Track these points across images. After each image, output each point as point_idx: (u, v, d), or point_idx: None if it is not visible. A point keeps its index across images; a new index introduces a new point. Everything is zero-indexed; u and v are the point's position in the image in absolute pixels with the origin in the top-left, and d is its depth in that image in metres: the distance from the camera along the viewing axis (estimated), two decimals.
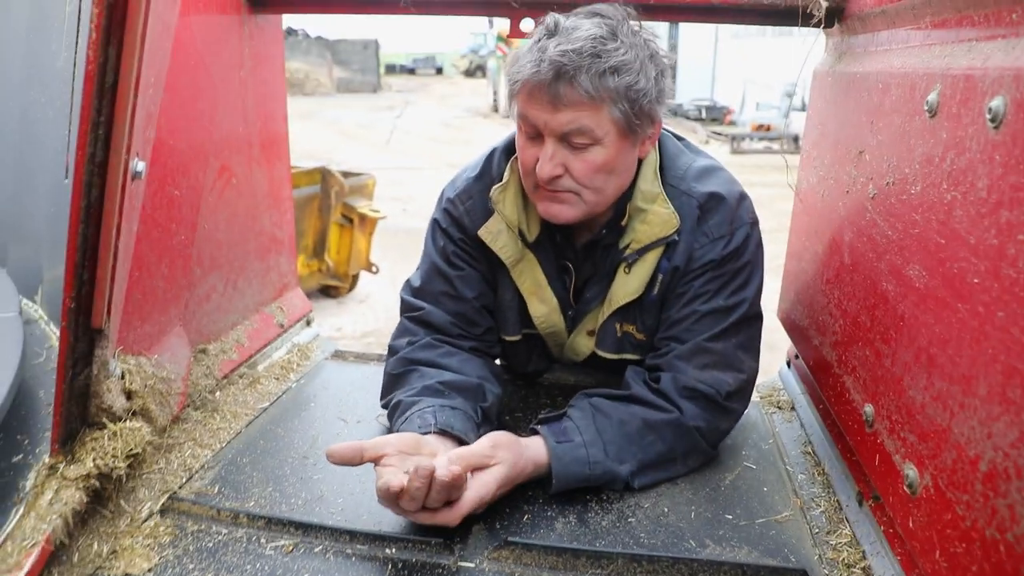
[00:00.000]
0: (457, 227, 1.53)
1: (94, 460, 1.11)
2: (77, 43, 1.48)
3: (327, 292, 6.25)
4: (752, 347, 1.45)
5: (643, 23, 1.35)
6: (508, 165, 1.49)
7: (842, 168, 1.38)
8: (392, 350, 1.52)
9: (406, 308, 1.57)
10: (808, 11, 1.48)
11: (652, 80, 1.30)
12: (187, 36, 1.44)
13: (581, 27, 1.27)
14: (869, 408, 1.18)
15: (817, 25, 1.50)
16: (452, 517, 1.15)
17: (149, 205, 1.30)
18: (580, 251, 1.51)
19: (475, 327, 1.55)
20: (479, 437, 1.27)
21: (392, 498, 1.11)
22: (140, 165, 1.11)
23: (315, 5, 1.71)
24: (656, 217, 1.41)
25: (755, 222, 1.45)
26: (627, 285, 1.46)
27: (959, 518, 0.85)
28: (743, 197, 1.44)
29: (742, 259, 1.41)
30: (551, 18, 1.31)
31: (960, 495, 0.85)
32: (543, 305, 1.55)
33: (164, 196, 1.37)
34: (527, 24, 1.63)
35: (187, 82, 1.45)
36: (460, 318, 1.53)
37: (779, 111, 15.05)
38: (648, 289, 1.46)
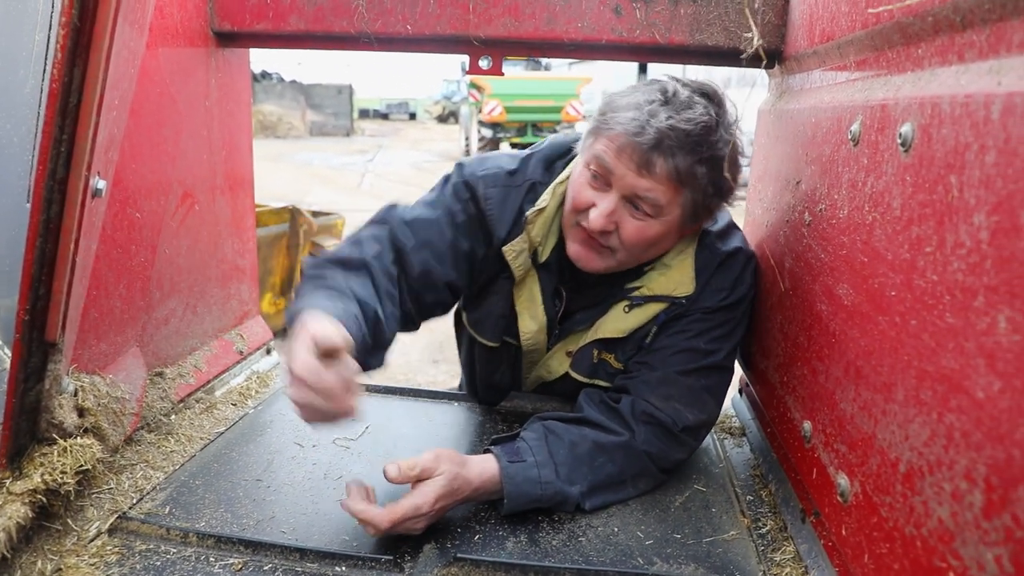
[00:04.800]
0: (475, 204, 1.50)
1: (42, 475, 1.10)
2: (45, 69, 1.50)
3: None
4: (717, 393, 1.48)
5: (735, 112, 1.37)
6: (550, 189, 1.48)
7: (782, 198, 1.46)
8: (358, 241, 1.46)
9: (391, 224, 1.48)
10: (750, 53, 1.56)
11: (729, 178, 1.35)
12: (154, 65, 1.47)
13: (695, 107, 1.29)
14: (807, 425, 1.23)
15: (758, 66, 1.59)
16: (381, 517, 1.15)
17: (110, 226, 1.32)
18: (584, 282, 1.52)
19: (420, 300, 1.47)
20: (364, 342, 1.23)
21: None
22: (100, 183, 1.13)
23: (282, 40, 1.76)
24: (677, 274, 1.46)
25: (754, 284, 1.51)
26: (621, 323, 1.49)
27: (883, 520, 0.89)
28: (752, 257, 1.51)
29: (734, 313, 1.48)
30: (671, 84, 1.33)
31: (884, 498, 0.89)
32: (533, 322, 1.56)
33: (125, 218, 1.39)
34: (485, 62, 1.70)
35: (152, 109, 1.49)
36: (423, 276, 1.45)
37: (745, 159, 15.45)
38: (637, 331, 1.49)
